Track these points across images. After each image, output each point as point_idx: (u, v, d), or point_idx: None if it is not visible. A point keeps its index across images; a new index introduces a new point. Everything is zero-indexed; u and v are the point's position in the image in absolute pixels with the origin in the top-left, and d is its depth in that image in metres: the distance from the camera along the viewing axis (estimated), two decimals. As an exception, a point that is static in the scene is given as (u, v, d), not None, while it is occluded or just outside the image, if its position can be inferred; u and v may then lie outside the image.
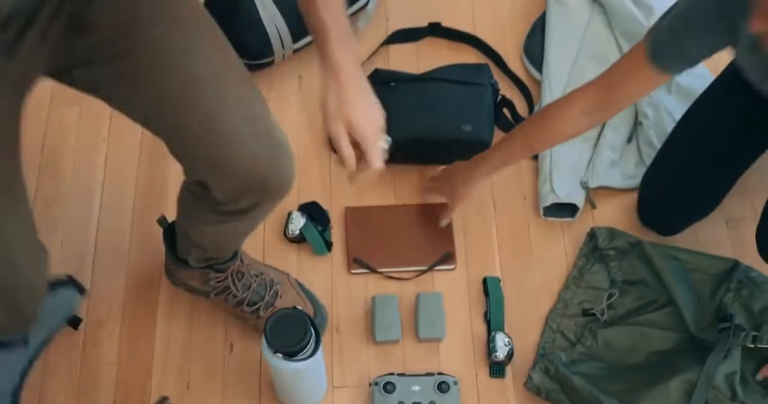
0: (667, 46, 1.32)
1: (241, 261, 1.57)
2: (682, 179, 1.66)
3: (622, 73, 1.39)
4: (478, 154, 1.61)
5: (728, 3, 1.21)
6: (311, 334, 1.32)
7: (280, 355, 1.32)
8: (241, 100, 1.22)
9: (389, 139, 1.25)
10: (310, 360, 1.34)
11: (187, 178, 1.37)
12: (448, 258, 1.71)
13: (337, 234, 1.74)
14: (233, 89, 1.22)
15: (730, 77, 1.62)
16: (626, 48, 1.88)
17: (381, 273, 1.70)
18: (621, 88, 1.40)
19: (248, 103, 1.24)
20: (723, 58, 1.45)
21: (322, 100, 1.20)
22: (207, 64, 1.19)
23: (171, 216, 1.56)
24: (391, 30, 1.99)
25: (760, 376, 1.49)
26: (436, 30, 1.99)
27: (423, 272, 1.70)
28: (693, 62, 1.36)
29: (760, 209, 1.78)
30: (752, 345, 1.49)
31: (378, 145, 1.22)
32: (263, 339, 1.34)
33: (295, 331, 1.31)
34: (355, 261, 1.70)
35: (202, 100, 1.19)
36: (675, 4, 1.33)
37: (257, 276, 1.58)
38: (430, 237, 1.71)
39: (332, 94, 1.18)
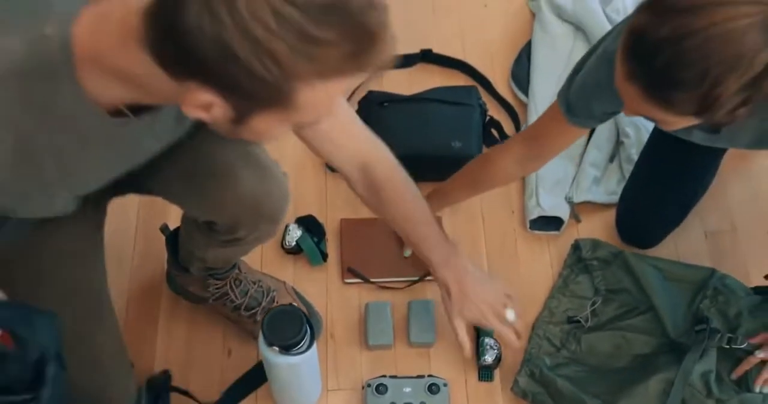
0: (577, 107, 1.42)
1: (239, 270, 1.65)
2: (655, 193, 1.75)
3: (546, 128, 1.51)
4: (430, 191, 1.71)
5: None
6: (306, 329, 1.39)
7: (277, 349, 1.38)
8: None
9: (514, 315, 1.51)
10: (306, 354, 1.41)
11: (189, 217, 1.47)
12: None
13: (332, 245, 1.82)
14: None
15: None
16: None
17: (374, 283, 1.77)
18: (546, 141, 1.52)
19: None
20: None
21: (444, 304, 1.51)
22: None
23: (173, 224, 1.64)
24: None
25: (734, 375, 1.56)
26: (427, 56, 2.09)
27: (414, 282, 1.77)
28: (603, 119, 1.48)
29: (737, 222, 1.87)
30: (727, 346, 1.55)
31: (503, 324, 1.50)
32: (260, 335, 1.40)
33: (291, 326, 1.38)
34: (349, 271, 1.77)
35: (216, 155, 1.30)
36: (579, 65, 1.43)
37: (255, 283, 1.65)
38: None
39: (447, 303, 1.49)
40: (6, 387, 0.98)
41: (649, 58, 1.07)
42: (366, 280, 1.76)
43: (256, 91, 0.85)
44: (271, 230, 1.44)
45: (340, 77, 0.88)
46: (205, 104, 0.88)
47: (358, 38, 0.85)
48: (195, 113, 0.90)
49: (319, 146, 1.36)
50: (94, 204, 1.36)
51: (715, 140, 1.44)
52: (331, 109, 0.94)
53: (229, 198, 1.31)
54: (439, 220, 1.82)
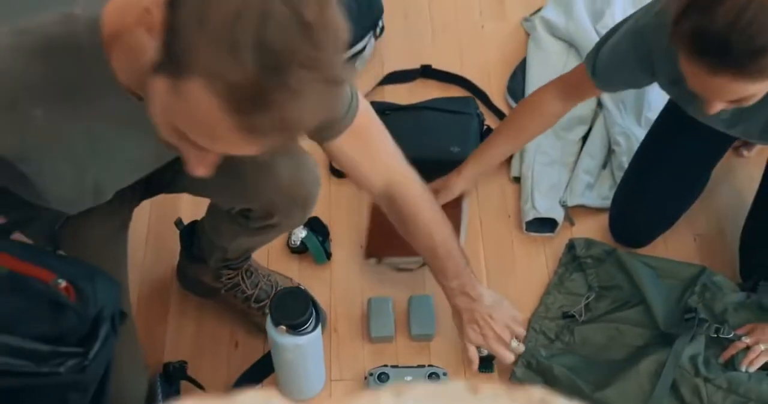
0: (602, 75, 1.54)
1: (251, 262, 1.72)
2: (646, 198, 1.83)
3: (577, 84, 1.62)
4: (465, 161, 1.79)
5: (643, 47, 1.41)
6: (312, 310, 1.46)
7: (284, 328, 1.44)
8: None
9: (518, 343, 1.62)
10: (311, 335, 1.47)
11: (220, 209, 1.52)
12: None
13: (336, 244, 1.89)
14: None
15: (668, 120, 1.82)
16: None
17: (393, 264, 1.80)
18: (580, 92, 1.64)
19: None
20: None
21: (456, 326, 1.61)
22: None
23: (186, 219, 1.71)
24: (386, 72, 2.19)
25: (722, 359, 1.62)
26: (427, 72, 2.19)
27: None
28: (626, 87, 1.63)
29: (725, 226, 1.95)
30: (715, 336, 1.62)
31: (502, 348, 1.60)
32: (268, 318, 1.47)
33: (298, 306, 1.45)
34: (370, 255, 1.81)
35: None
36: (605, 38, 1.54)
37: (265, 277, 1.73)
38: None
39: (458, 326, 1.60)
40: (59, 337, 1.04)
41: (722, 46, 1.15)
42: (385, 257, 1.80)
43: (172, 43, 0.86)
44: (302, 216, 1.49)
45: (220, 106, 0.86)
46: (148, 24, 0.89)
47: (254, 94, 0.85)
48: (134, 37, 0.93)
49: (348, 171, 1.44)
50: (122, 204, 1.41)
51: (732, 124, 1.52)
52: (204, 138, 0.93)
53: (267, 184, 1.37)
54: (459, 202, 1.84)
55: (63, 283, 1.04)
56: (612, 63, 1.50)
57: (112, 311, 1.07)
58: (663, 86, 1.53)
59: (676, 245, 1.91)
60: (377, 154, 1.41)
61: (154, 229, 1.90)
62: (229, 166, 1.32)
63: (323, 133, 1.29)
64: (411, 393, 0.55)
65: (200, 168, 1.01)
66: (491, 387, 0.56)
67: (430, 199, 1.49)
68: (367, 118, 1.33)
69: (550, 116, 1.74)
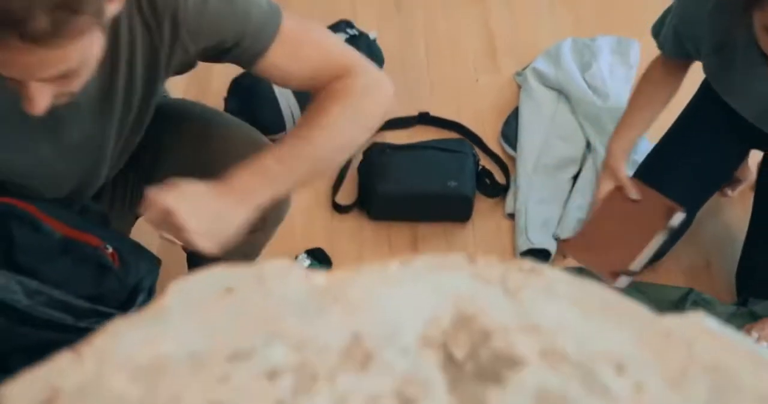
0: (664, 47, 1.71)
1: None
2: None
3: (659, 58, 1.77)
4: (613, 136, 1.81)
5: (688, 14, 1.57)
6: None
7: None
8: (232, 127, 1.49)
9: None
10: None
11: None
12: (672, 211, 1.71)
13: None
14: (228, 123, 1.50)
15: (675, 136, 1.92)
16: (588, 128, 2.21)
17: (639, 273, 1.75)
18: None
19: (237, 127, 1.50)
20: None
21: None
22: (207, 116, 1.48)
23: (194, 243, 1.79)
24: (385, 118, 2.29)
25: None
26: (424, 118, 2.31)
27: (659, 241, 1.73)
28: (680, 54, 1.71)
29: (711, 259, 2.03)
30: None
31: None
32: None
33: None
34: (616, 275, 1.73)
35: (218, 142, 1.42)
36: (671, 7, 1.67)
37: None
38: (644, 213, 1.74)
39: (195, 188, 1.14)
40: (100, 297, 1.10)
41: None
42: (634, 273, 1.74)
43: None
44: (276, 215, 1.50)
45: None
46: None
47: None
48: None
49: (279, 84, 1.38)
50: (120, 215, 1.48)
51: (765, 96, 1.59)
52: None
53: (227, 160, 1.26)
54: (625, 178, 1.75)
55: (110, 249, 1.12)
56: (668, 35, 1.65)
57: (150, 283, 1.14)
58: (704, 59, 1.63)
59: (665, 277, 1.98)
60: (308, 63, 1.29)
61: (163, 254, 1.96)
62: (194, 160, 1.39)
63: (243, 56, 1.23)
64: (416, 261, 0.63)
65: (29, 104, 0.97)
66: (487, 258, 0.63)
67: (350, 93, 1.30)
68: (293, 34, 1.25)
69: (675, 80, 1.79)
